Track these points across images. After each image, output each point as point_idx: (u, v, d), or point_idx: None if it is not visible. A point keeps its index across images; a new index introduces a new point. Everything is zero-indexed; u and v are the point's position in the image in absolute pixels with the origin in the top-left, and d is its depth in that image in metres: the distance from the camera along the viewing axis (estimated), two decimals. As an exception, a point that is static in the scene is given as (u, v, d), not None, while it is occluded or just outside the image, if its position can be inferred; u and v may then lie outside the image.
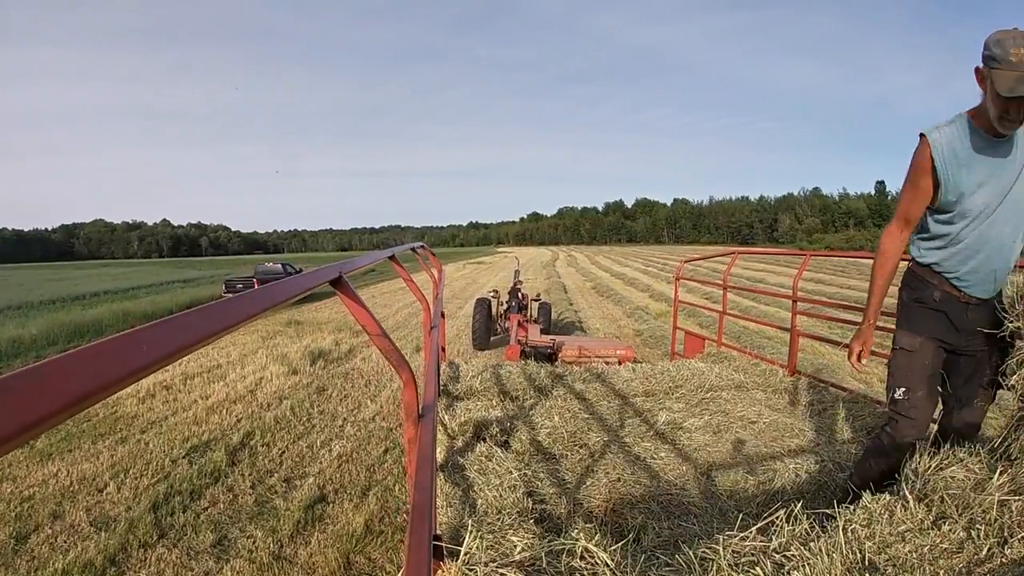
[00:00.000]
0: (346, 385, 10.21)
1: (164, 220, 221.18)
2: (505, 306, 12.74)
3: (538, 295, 14.31)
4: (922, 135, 2.40)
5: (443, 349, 4.75)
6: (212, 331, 0.80)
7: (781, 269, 32.92)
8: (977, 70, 2.26)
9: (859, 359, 2.68)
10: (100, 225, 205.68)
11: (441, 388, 4.68)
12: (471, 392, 4.76)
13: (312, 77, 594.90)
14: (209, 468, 6.58)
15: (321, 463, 6.76)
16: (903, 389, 2.60)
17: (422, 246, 5.06)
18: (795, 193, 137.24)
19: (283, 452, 7.17)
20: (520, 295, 12.68)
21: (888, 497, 2.33)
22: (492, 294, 13.55)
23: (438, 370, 3.49)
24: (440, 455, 3.36)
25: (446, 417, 3.99)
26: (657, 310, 17.51)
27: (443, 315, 4.60)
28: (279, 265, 26.26)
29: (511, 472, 3.12)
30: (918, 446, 2.58)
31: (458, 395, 4.69)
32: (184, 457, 6.97)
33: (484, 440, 3.65)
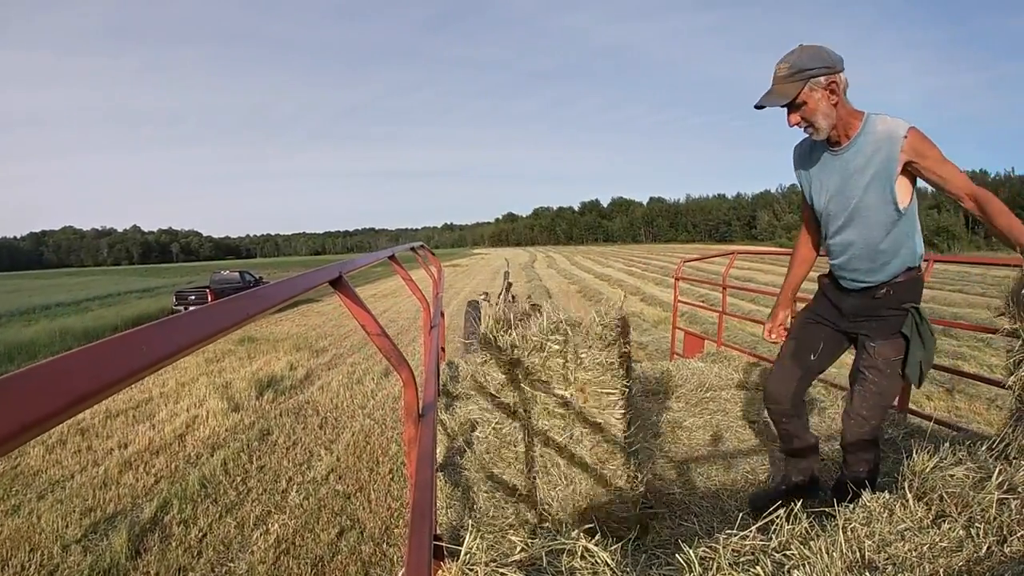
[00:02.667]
0: (296, 427, 8.50)
1: (134, 226, 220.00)
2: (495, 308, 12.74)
3: (529, 297, 14.36)
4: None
5: (443, 349, 4.73)
6: (211, 332, 0.79)
7: (768, 267, 32.85)
8: None
9: (770, 334, 3.04)
10: (69, 232, 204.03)
11: (441, 388, 4.66)
12: (471, 391, 4.71)
13: (283, 78, 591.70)
14: (106, 562, 5.13)
15: (252, 553, 5.24)
16: (781, 346, 3.01)
17: (422, 245, 5.06)
18: (772, 190, 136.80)
19: (204, 535, 5.60)
20: (511, 297, 12.73)
21: (887, 496, 2.35)
22: (483, 296, 13.59)
23: (438, 370, 3.48)
24: (440, 455, 3.35)
25: (445, 417, 3.99)
26: (654, 317, 16.62)
27: (442, 314, 4.59)
28: (236, 273, 24.78)
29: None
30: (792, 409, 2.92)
31: (457, 395, 4.66)
32: (79, 541, 5.52)
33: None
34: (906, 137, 2.38)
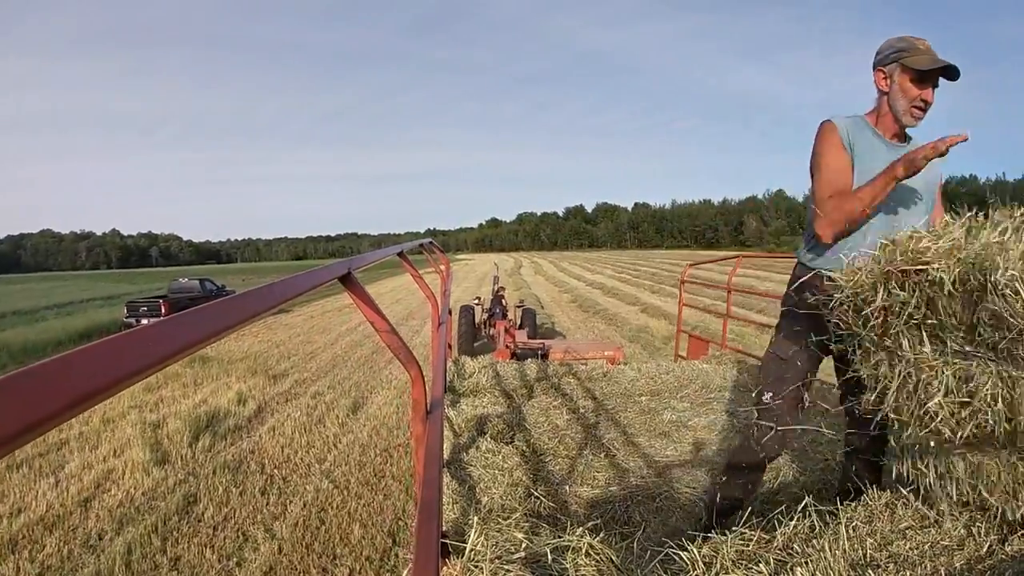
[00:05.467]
0: (232, 491, 6.44)
1: (113, 230, 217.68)
2: (488, 313, 12.77)
3: (521, 301, 14.33)
4: (827, 121, 2.46)
5: (450, 346, 4.74)
6: (217, 329, 0.79)
7: (765, 275, 30.72)
8: (879, 71, 2.40)
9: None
10: (48, 236, 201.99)
11: (447, 385, 4.68)
12: (477, 389, 4.77)
13: (266, 82, 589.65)
14: None
15: None
16: (770, 394, 2.56)
17: (430, 242, 5.06)
18: (759, 196, 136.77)
19: None
20: (503, 301, 12.76)
21: (889, 494, 2.37)
22: (476, 301, 13.57)
23: (445, 367, 3.50)
24: (446, 452, 3.37)
25: (452, 414, 4.01)
26: (664, 332, 14.33)
27: (450, 312, 4.60)
28: (196, 281, 22.65)
29: (516, 469, 3.16)
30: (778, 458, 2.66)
31: (464, 392, 4.70)
32: None
33: (490, 437, 3.69)
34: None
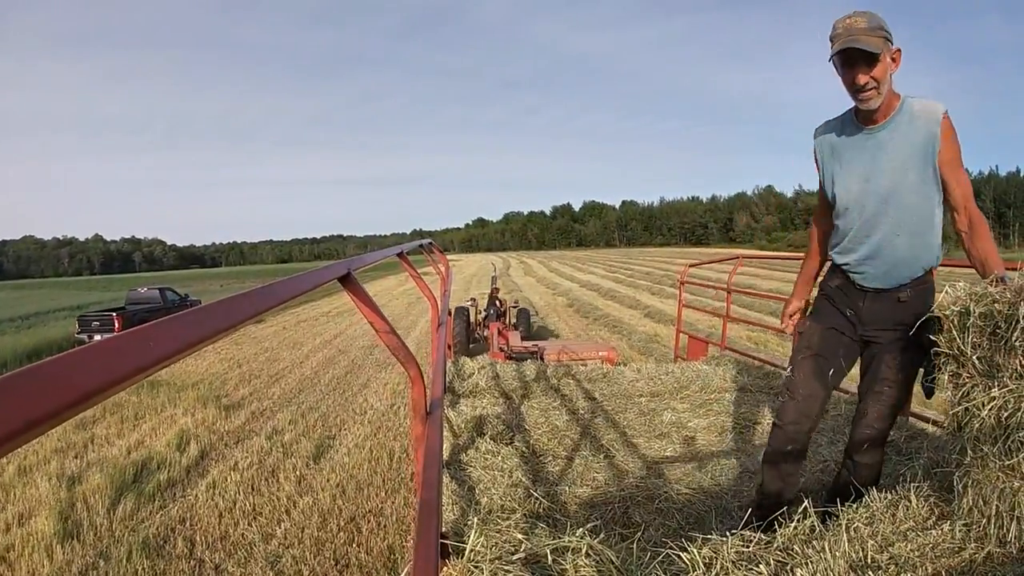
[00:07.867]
0: None
1: (96, 235, 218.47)
2: (484, 314, 12.71)
3: (516, 302, 14.32)
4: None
5: (450, 346, 4.73)
6: (220, 328, 0.78)
7: (767, 272, 30.41)
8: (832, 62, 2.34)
9: (784, 325, 2.94)
10: (30, 242, 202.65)
11: (446, 386, 4.66)
12: (476, 390, 4.78)
13: (251, 85, 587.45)
14: None
15: None
16: (791, 368, 2.70)
17: (430, 243, 5.07)
18: (748, 192, 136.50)
19: None
20: (498, 302, 12.72)
21: (890, 496, 2.37)
22: (470, 302, 13.53)
23: (445, 367, 3.49)
24: (445, 453, 3.36)
25: (451, 414, 4.01)
26: (672, 339, 12.42)
27: (450, 312, 4.59)
28: (155, 291, 21.75)
29: (516, 469, 3.16)
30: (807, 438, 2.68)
31: (463, 393, 4.71)
32: None
33: (489, 438, 3.68)
34: (944, 116, 2.25)
